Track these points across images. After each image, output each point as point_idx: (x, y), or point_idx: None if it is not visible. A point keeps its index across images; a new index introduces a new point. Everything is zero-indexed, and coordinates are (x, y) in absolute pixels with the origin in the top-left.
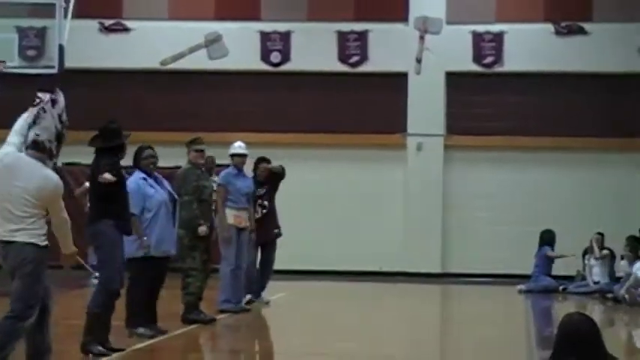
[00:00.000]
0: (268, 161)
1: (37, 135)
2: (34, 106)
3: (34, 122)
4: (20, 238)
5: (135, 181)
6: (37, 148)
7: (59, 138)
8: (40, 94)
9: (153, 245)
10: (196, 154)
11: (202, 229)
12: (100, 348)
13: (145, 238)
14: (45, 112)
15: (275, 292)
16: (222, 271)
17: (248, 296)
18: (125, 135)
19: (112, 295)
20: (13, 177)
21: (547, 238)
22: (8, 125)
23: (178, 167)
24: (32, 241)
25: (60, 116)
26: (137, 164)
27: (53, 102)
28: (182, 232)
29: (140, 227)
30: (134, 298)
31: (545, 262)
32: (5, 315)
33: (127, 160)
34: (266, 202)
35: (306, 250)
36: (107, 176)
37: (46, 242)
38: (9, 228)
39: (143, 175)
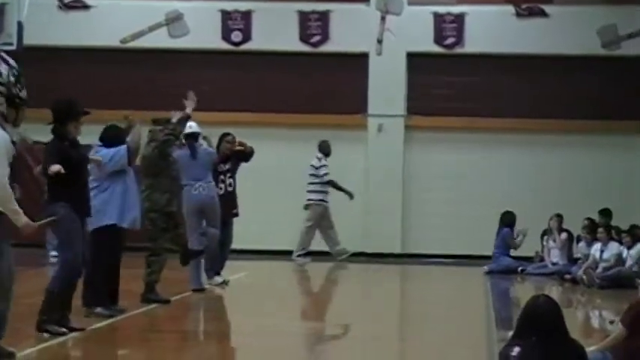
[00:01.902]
0: (233, 137)
1: None
2: None
3: None
4: None
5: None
6: None
7: (11, 101)
8: None
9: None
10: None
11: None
12: (57, 327)
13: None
14: None
15: (233, 272)
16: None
17: (219, 278)
18: (84, 112)
19: (73, 275)
20: None
21: (507, 220)
22: None
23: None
24: None
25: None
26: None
27: None
28: (154, 214)
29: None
30: (94, 275)
31: (506, 244)
32: None
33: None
34: (230, 180)
35: (265, 229)
36: (54, 168)
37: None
38: None
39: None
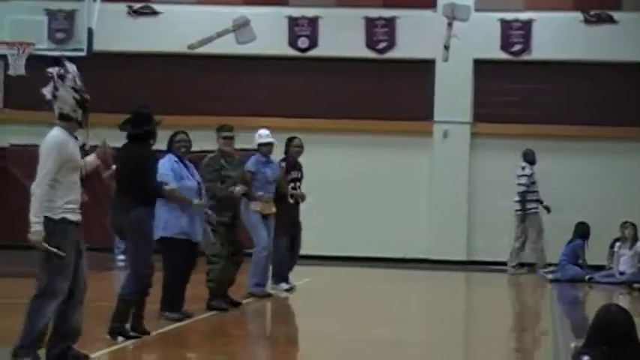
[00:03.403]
0: (300, 141)
1: (61, 109)
2: (48, 84)
3: (55, 97)
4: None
5: (169, 160)
6: (65, 119)
7: (82, 105)
8: (49, 70)
9: (183, 231)
10: (224, 141)
11: (237, 190)
12: (129, 332)
13: (197, 201)
14: (57, 89)
15: (300, 277)
16: (256, 257)
17: (285, 285)
18: (156, 120)
19: (144, 280)
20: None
21: (581, 231)
22: (37, 107)
23: (204, 152)
24: (47, 214)
25: (73, 87)
26: (170, 148)
27: (61, 78)
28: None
29: (183, 195)
30: (169, 280)
31: (575, 254)
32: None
33: (160, 144)
34: (303, 192)
35: (332, 236)
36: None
37: (61, 215)
38: None
39: (176, 159)
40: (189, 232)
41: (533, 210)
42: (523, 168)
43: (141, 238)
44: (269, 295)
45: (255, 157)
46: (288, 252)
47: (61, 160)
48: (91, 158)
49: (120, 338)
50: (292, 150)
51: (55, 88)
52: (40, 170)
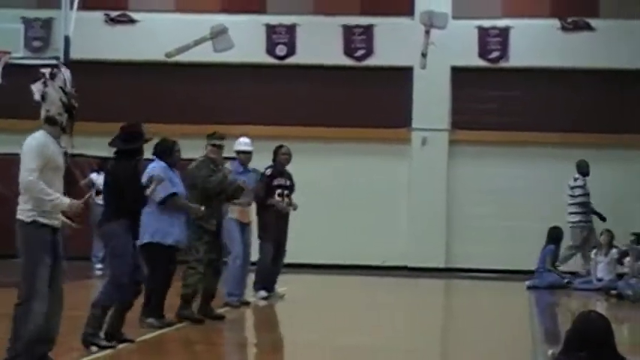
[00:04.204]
0: (288, 149)
1: (48, 111)
2: (37, 81)
3: (43, 99)
4: (18, 215)
5: (161, 167)
6: (49, 123)
7: (68, 110)
8: (42, 70)
9: (174, 238)
10: (213, 148)
11: (198, 210)
12: (103, 341)
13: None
14: (47, 86)
15: (279, 285)
16: (230, 265)
17: (264, 293)
18: (146, 138)
19: (121, 288)
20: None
21: (554, 235)
22: (15, 115)
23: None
24: (20, 217)
25: (62, 89)
26: (161, 156)
27: (52, 76)
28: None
29: (186, 202)
30: (152, 286)
31: (550, 260)
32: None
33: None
34: (295, 204)
35: (310, 244)
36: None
37: (32, 219)
38: None
39: (164, 165)
40: (178, 239)
41: (583, 222)
42: (576, 179)
43: (115, 249)
44: (245, 304)
45: (234, 164)
46: (272, 260)
47: (39, 161)
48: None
49: (94, 348)
50: (280, 157)
51: (45, 86)
52: (22, 167)
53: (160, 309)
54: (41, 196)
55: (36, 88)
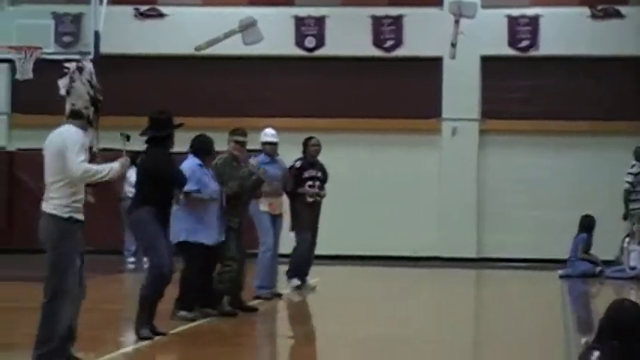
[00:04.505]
0: (317, 140)
1: (73, 104)
2: (63, 77)
3: (68, 93)
4: (45, 208)
5: (190, 165)
6: (75, 117)
7: (94, 103)
8: (66, 65)
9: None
10: (235, 145)
11: (261, 170)
12: (148, 332)
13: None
14: (74, 80)
15: (310, 277)
16: (261, 257)
17: (296, 281)
18: (176, 125)
19: (161, 279)
20: (47, 149)
21: (585, 223)
22: (45, 111)
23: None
24: (54, 212)
25: (90, 82)
26: (198, 153)
27: (79, 69)
28: None
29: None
30: (186, 280)
31: (582, 248)
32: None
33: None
34: (323, 192)
35: (340, 235)
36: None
37: (69, 214)
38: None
39: (199, 162)
40: (208, 236)
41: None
42: (632, 166)
43: (145, 239)
44: (277, 295)
45: (258, 157)
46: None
47: (83, 152)
48: (118, 167)
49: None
50: (310, 149)
51: (72, 80)
52: (70, 159)
53: (193, 302)
54: (98, 176)
55: (62, 84)
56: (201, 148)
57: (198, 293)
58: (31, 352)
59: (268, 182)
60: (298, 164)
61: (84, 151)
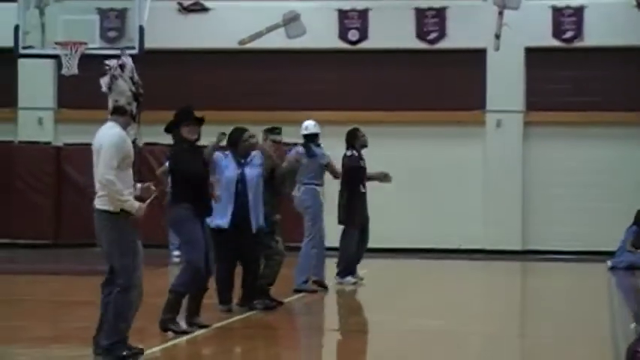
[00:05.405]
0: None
1: (116, 101)
2: (105, 74)
3: (110, 89)
4: (97, 204)
5: (219, 155)
6: (118, 113)
7: (136, 99)
8: (107, 62)
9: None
10: (272, 144)
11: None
12: (182, 325)
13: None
14: (116, 78)
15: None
16: (305, 250)
17: (351, 279)
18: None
19: (194, 276)
20: (94, 147)
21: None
22: (90, 106)
23: None
24: (104, 208)
25: (131, 78)
26: (229, 145)
27: (121, 67)
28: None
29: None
30: (216, 273)
31: (631, 241)
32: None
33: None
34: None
35: (384, 228)
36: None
37: (119, 207)
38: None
39: (226, 153)
40: (219, 222)
41: None
42: None
43: (183, 235)
44: (323, 287)
45: (299, 149)
46: (357, 245)
47: (119, 157)
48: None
49: (170, 333)
50: (361, 140)
51: (114, 77)
52: (102, 162)
53: (225, 294)
54: (116, 196)
55: (104, 82)
56: (230, 141)
57: (226, 285)
58: (84, 344)
59: (313, 172)
60: (355, 155)
61: (118, 155)
